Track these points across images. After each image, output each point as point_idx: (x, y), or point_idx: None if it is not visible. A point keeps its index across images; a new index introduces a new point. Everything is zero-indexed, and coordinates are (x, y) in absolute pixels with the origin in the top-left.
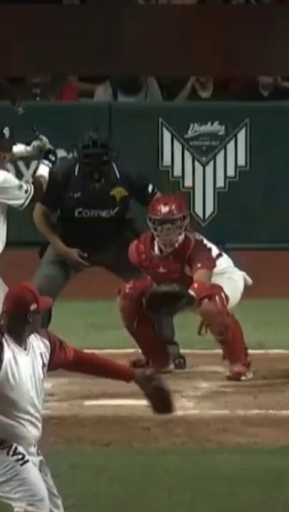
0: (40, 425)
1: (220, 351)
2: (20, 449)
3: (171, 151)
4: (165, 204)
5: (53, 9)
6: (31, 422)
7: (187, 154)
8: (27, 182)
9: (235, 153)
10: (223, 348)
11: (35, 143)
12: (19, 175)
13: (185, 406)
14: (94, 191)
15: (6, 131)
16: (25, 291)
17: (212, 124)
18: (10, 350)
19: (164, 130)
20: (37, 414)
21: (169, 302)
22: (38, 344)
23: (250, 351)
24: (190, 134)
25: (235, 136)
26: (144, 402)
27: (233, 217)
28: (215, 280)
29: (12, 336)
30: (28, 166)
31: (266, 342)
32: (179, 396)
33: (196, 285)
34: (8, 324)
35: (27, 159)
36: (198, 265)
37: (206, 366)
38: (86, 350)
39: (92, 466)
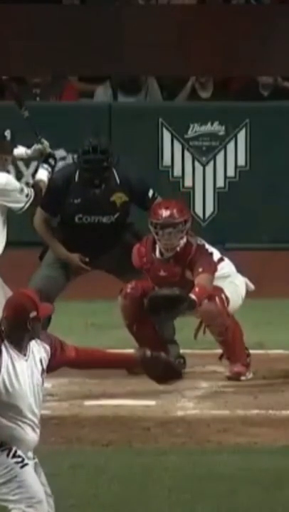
0: (38, 431)
1: (220, 351)
2: (20, 452)
3: (171, 151)
4: (166, 208)
5: (53, 9)
6: (30, 426)
7: (187, 154)
8: (28, 185)
9: (235, 153)
10: (223, 348)
11: (36, 146)
12: (19, 174)
13: (185, 406)
14: (94, 197)
15: (8, 133)
16: (25, 299)
17: (212, 124)
18: (8, 356)
19: (164, 130)
20: (35, 420)
21: (169, 306)
22: (38, 349)
23: (250, 351)
24: (190, 134)
25: (235, 136)
26: (144, 402)
27: (233, 217)
28: (217, 284)
29: (12, 342)
30: (27, 166)
31: (266, 342)
32: (179, 396)
33: (197, 289)
34: (7, 331)
35: (27, 160)
36: (200, 270)
37: (206, 366)
38: None
39: (92, 466)
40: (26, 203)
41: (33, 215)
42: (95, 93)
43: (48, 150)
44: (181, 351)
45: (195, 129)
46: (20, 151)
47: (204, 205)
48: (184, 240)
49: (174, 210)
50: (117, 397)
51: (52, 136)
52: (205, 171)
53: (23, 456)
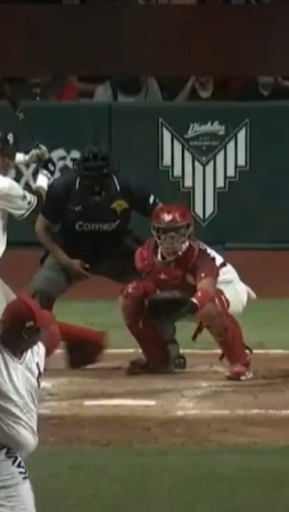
0: (36, 434)
1: (220, 351)
2: (23, 463)
3: (171, 151)
4: (169, 212)
5: (53, 9)
6: (26, 429)
7: (187, 154)
8: (30, 192)
9: (235, 153)
10: (222, 349)
11: (34, 151)
12: (19, 174)
13: (185, 406)
14: (94, 204)
15: (10, 137)
16: (24, 307)
17: (212, 124)
18: (2, 359)
19: (164, 130)
20: (32, 424)
21: (169, 309)
22: (36, 351)
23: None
24: (190, 134)
25: (235, 136)
26: (144, 402)
27: (233, 217)
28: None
29: (6, 346)
30: (27, 166)
31: (266, 342)
32: (179, 396)
33: (199, 293)
34: (4, 335)
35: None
36: (202, 274)
37: (206, 366)
38: None
39: (92, 466)
40: (28, 210)
41: (34, 222)
42: (95, 93)
43: (47, 155)
44: (181, 351)
45: (195, 129)
46: (18, 157)
47: (204, 205)
48: (186, 244)
49: (176, 215)
50: (117, 397)
51: (52, 136)
52: (205, 170)
53: (26, 468)
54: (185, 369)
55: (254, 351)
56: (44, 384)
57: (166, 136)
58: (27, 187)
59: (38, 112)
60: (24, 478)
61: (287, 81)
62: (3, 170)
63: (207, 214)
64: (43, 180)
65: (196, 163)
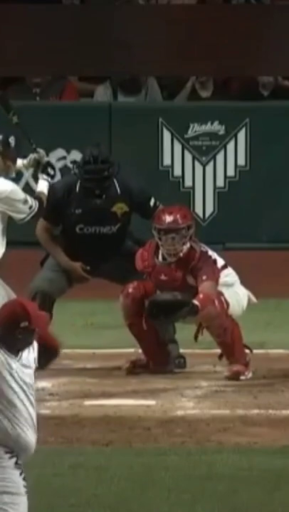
0: (36, 433)
1: (220, 351)
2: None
3: (171, 151)
4: (170, 214)
5: (53, 9)
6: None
7: (187, 154)
8: (31, 197)
9: (235, 153)
10: (222, 349)
11: (32, 155)
12: (19, 174)
13: (185, 406)
14: (95, 208)
15: (12, 139)
16: (19, 308)
17: (212, 124)
18: (2, 355)
19: (164, 130)
20: (32, 421)
21: (169, 311)
22: (32, 348)
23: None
24: (190, 134)
25: (235, 136)
26: (144, 402)
27: (233, 217)
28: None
29: (3, 345)
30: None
31: (266, 342)
32: (179, 396)
33: (201, 296)
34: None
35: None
36: (204, 277)
37: (206, 366)
38: (86, 350)
39: (92, 466)
40: (28, 214)
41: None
42: (95, 93)
43: (45, 159)
44: (181, 351)
45: (195, 129)
46: (17, 162)
47: (204, 205)
48: (188, 245)
49: (178, 216)
50: (117, 397)
51: (52, 136)
52: (205, 170)
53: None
54: (185, 369)
55: (254, 351)
56: (44, 384)
57: (166, 136)
58: (27, 187)
59: (38, 112)
60: (26, 492)
61: (287, 81)
62: (4, 172)
63: (207, 214)
64: (43, 185)
65: (196, 163)
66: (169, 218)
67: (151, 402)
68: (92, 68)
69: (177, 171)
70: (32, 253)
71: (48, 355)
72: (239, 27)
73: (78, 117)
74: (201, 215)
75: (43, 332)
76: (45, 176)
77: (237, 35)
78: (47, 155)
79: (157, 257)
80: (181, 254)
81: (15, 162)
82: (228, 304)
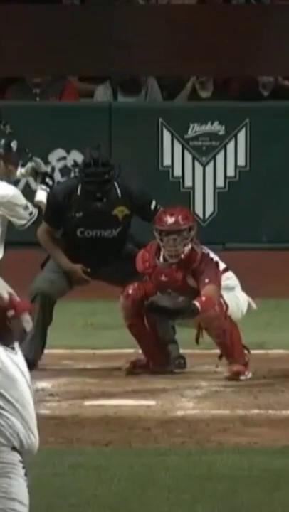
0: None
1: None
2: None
3: (171, 151)
4: (171, 215)
5: (53, 9)
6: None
7: (187, 154)
8: (32, 204)
9: (235, 153)
10: (221, 350)
11: (29, 164)
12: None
13: (185, 406)
14: (96, 211)
15: (14, 144)
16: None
17: (212, 124)
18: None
19: (164, 130)
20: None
21: (168, 316)
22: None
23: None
24: (190, 134)
25: (235, 136)
26: (144, 402)
27: (233, 217)
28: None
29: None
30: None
31: (266, 342)
32: (179, 396)
33: (203, 298)
34: None
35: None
36: (206, 280)
37: (206, 366)
38: (86, 351)
39: (92, 466)
40: (29, 221)
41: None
42: (95, 93)
43: (44, 169)
44: (181, 351)
45: (195, 129)
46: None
47: (204, 205)
48: (189, 246)
49: (179, 217)
50: (117, 397)
51: (52, 136)
52: (205, 171)
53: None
54: (185, 369)
55: (254, 351)
56: (44, 384)
57: (166, 136)
58: (28, 188)
59: (38, 112)
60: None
61: (287, 81)
62: (5, 177)
63: (207, 214)
64: (42, 195)
65: (196, 163)
66: (170, 219)
67: (151, 403)
68: (92, 68)
69: (177, 171)
70: (31, 253)
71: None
72: (239, 27)
73: (78, 117)
74: (201, 215)
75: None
76: (43, 187)
77: (237, 35)
78: (47, 155)
79: (158, 258)
80: (183, 256)
81: (16, 167)
82: (227, 306)
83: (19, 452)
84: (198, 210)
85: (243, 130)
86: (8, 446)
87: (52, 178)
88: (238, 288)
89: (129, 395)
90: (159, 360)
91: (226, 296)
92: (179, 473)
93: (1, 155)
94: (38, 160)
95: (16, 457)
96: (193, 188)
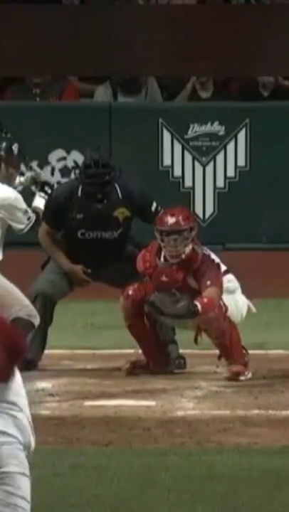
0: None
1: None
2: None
3: (171, 152)
4: (172, 215)
5: (53, 9)
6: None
7: (187, 154)
8: (31, 210)
9: (235, 154)
10: (220, 350)
11: (29, 173)
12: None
13: (185, 406)
14: (97, 212)
15: (15, 147)
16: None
17: (212, 124)
18: None
19: (164, 130)
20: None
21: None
22: None
23: (250, 351)
24: (190, 134)
25: (235, 136)
26: (144, 403)
27: (233, 217)
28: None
29: None
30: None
31: (266, 342)
32: (179, 396)
33: (205, 300)
34: None
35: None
36: (208, 282)
37: (206, 366)
38: (86, 351)
39: (92, 466)
40: (27, 225)
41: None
42: (95, 93)
43: (43, 178)
44: (181, 351)
45: (195, 129)
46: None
47: (204, 205)
48: (190, 247)
49: (180, 218)
50: (117, 397)
51: (52, 136)
52: (205, 171)
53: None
54: (185, 369)
55: (254, 352)
56: (44, 385)
57: (166, 136)
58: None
59: (38, 112)
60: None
61: (287, 81)
62: (6, 180)
63: (207, 214)
64: (39, 202)
65: (196, 163)
66: (171, 220)
67: (151, 403)
68: (92, 68)
69: (177, 172)
70: (31, 253)
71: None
72: (239, 27)
73: (78, 117)
74: (201, 215)
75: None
76: (42, 194)
77: (237, 35)
78: (47, 155)
79: (159, 259)
80: (184, 256)
81: (17, 170)
82: (226, 307)
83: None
84: (198, 211)
85: (243, 130)
86: (24, 447)
87: (51, 186)
88: (239, 291)
89: (129, 395)
90: (159, 360)
91: (226, 298)
92: (179, 474)
93: (2, 158)
94: (38, 169)
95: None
96: (193, 188)
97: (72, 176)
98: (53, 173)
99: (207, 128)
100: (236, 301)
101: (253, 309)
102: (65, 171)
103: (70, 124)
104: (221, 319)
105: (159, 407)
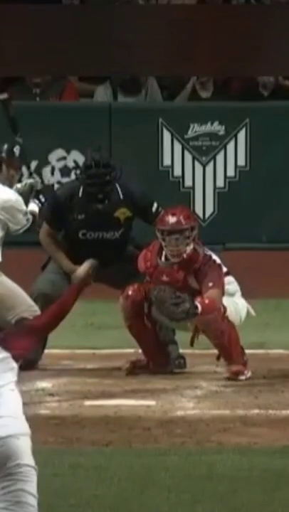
0: None
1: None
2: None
3: (171, 151)
4: (173, 215)
5: (53, 9)
6: None
7: (187, 154)
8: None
9: (235, 153)
10: (219, 350)
11: (27, 180)
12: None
13: (185, 406)
14: (98, 213)
15: (16, 149)
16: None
17: (212, 124)
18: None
19: (164, 130)
20: None
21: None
22: None
23: (250, 351)
24: (190, 134)
25: (235, 136)
26: (144, 402)
27: (233, 217)
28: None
29: None
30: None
31: (266, 342)
32: (179, 396)
33: (206, 301)
34: None
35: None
36: (210, 284)
37: (206, 366)
38: (86, 351)
39: (92, 466)
40: (23, 227)
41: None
42: (95, 93)
43: (39, 186)
44: (181, 351)
45: (195, 129)
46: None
47: (204, 205)
48: (191, 246)
49: (181, 217)
50: (117, 397)
51: (52, 136)
52: (205, 171)
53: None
54: (185, 369)
55: (254, 351)
56: (44, 384)
57: (166, 136)
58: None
59: (38, 112)
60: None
61: (287, 81)
62: (7, 182)
63: (207, 214)
64: (34, 207)
65: (196, 163)
66: (172, 219)
67: (151, 403)
68: (92, 68)
69: (177, 171)
70: (29, 253)
71: None
72: (239, 27)
73: (78, 117)
74: (201, 215)
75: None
76: (36, 201)
77: (237, 35)
78: (47, 155)
79: (160, 258)
80: (185, 255)
81: (18, 172)
82: (225, 309)
83: None
84: (198, 210)
85: (243, 130)
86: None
87: (45, 196)
88: (238, 294)
89: (129, 395)
90: (159, 360)
91: (226, 301)
92: (179, 473)
93: (4, 160)
94: (37, 178)
95: None
96: (193, 188)
97: (73, 175)
98: (53, 173)
99: (207, 128)
100: (236, 304)
101: (253, 313)
102: (65, 171)
103: (70, 124)
104: (220, 320)
105: (159, 406)
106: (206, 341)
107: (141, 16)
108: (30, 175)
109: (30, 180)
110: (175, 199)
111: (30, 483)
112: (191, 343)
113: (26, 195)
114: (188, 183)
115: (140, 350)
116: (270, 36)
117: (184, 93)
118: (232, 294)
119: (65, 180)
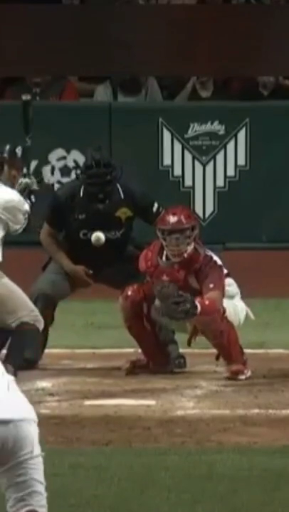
0: None
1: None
2: None
3: (171, 151)
4: (174, 214)
5: (53, 9)
6: None
7: (187, 154)
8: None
9: (235, 153)
10: (218, 350)
11: (23, 180)
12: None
13: (185, 406)
14: (99, 213)
15: (19, 150)
16: None
17: (212, 123)
18: None
19: (164, 130)
20: None
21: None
22: None
23: (250, 351)
24: (190, 133)
25: (235, 136)
26: (144, 402)
27: (233, 217)
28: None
29: None
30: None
31: (266, 342)
32: (179, 395)
33: (207, 302)
34: None
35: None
36: (211, 285)
37: (206, 366)
38: (86, 350)
39: (92, 466)
40: (22, 226)
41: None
42: (95, 93)
43: (34, 187)
44: (181, 351)
45: (195, 129)
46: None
47: (204, 205)
48: (192, 246)
49: (182, 216)
50: (117, 397)
51: (52, 136)
52: (205, 170)
53: None
54: (185, 369)
55: (254, 351)
56: (44, 384)
57: (166, 136)
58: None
59: (38, 112)
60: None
61: (287, 81)
62: (9, 182)
63: (207, 213)
64: (27, 206)
65: (196, 163)
66: (173, 219)
67: (151, 402)
68: (92, 68)
69: (177, 171)
70: (29, 253)
71: None
72: (239, 27)
73: (78, 117)
74: (201, 215)
75: None
76: (28, 201)
77: (237, 35)
78: (47, 155)
79: (161, 258)
80: (186, 255)
81: (20, 172)
82: (224, 309)
83: None
84: (199, 210)
85: (243, 130)
86: None
87: (34, 197)
88: (238, 297)
89: (129, 395)
90: (159, 360)
91: (226, 303)
92: (179, 473)
93: (6, 160)
94: (34, 179)
95: None
96: (193, 187)
97: (73, 175)
98: (53, 173)
99: (207, 127)
100: (235, 306)
101: (252, 316)
102: (65, 171)
103: (70, 124)
104: (219, 320)
105: (159, 406)
106: (206, 341)
107: (141, 16)
108: (27, 175)
109: (26, 180)
110: (175, 199)
111: (40, 472)
112: (188, 343)
113: (20, 195)
114: (188, 182)
115: (140, 350)
116: (270, 36)
117: (184, 93)
118: (232, 296)
119: (65, 180)
